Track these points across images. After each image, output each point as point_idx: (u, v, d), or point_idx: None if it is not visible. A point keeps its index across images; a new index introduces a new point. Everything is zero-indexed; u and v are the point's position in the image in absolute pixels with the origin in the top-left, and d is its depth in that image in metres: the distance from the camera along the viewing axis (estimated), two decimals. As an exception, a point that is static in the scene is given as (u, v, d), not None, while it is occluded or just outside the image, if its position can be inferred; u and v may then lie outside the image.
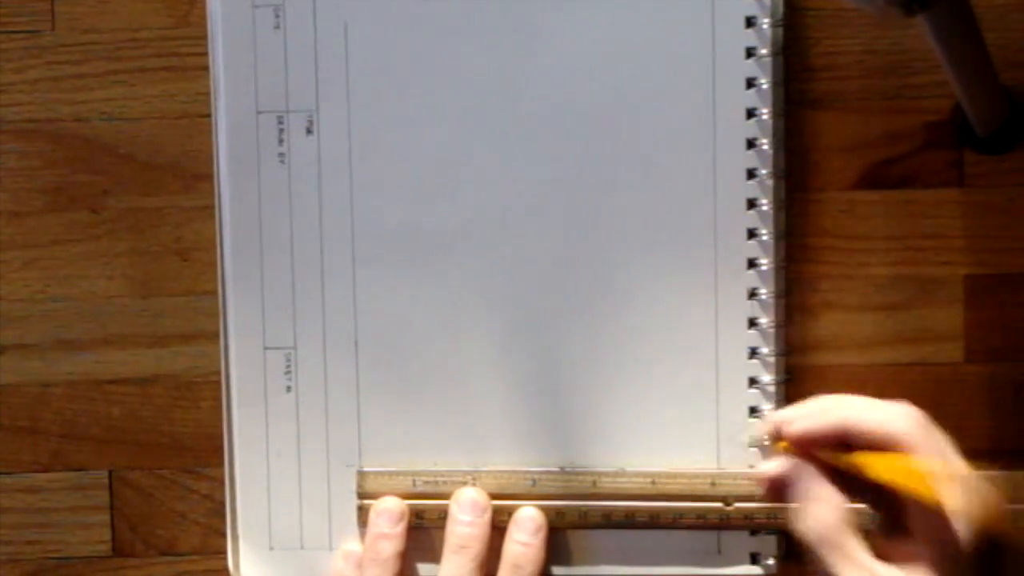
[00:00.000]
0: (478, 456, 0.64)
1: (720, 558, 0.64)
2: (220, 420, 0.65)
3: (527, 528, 0.63)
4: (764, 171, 0.62)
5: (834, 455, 0.54)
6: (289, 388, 0.65)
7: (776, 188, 0.63)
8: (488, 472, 0.64)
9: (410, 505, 0.64)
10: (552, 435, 0.64)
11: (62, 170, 0.65)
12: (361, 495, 0.64)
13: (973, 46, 0.52)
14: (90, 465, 0.66)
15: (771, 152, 0.62)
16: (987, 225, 0.63)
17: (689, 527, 0.63)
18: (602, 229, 0.63)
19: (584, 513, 0.63)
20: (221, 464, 0.65)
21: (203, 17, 0.64)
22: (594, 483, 0.63)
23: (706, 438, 0.63)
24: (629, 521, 0.63)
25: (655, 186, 0.63)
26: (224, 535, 0.65)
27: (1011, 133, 0.62)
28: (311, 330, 0.64)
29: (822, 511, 0.54)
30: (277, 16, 0.63)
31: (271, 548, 0.65)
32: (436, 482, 0.64)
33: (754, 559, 0.64)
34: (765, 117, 0.62)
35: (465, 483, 0.64)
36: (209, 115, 0.64)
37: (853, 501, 0.54)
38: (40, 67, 0.65)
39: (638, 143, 0.63)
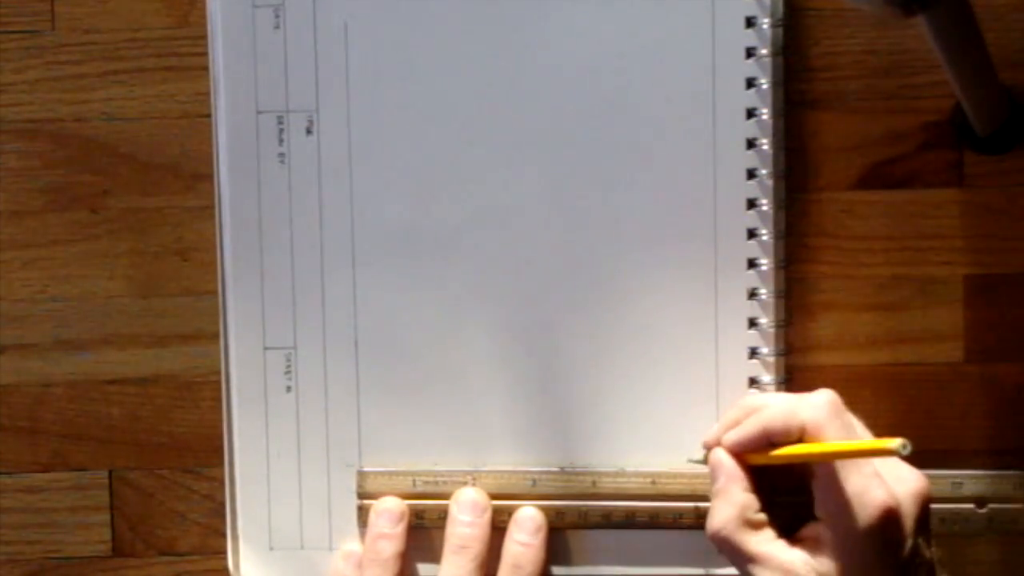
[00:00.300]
0: (478, 456, 0.64)
1: (720, 558, 0.63)
2: (220, 420, 0.65)
3: (527, 528, 0.63)
4: (764, 171, 0.62)
5: (753, 456, 0.59)
6: (289, 388, 0.65)
7: (776, 188, 0.63)
8: (488, 472, 0.64)
9: (410, 505, 0.64)
10: (552, 435, 0.64)
11: (62, 170, 0.65)
12: (361, 495, 0.64)
13: (973, 46, 0.52)
14: (90, 465, 0.66)
15: (771, 152, 0.62)
16: (987, 225, 0.63)
17: (689, 527, 0.63)
18: (602, 229, 0.63)
19: (584, 513, 0.63)
20: (221, 464, 0.65)
21: (203, 17, 0.64)
22: (594, 483, 0.63)
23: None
24: (629, 521, 0.63)
25: (655, 186, 0.63)
26: (224, 535, 0.65)
27: (1011, 133, 0.62)
28: (311, 330, 0.64)
29: (721, 510, 0.58)
30: (277, 16, 0.63)
31: (271, 548, 0.65)
32: (436, 482, 0.64)
33: (754, 559, 0.64)
34: (765, 117, 0.62)
35: (465, 483, 0.64)
36: (209, 115, 0.64)
37: (780, 496, 0.59)
38: (40, 67, 0.65)
39: (638, 143, 0.63)
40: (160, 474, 0.66)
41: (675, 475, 0.63)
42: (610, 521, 0.63)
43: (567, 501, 0.63)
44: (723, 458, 0.59)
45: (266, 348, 0.64)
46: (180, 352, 0.65)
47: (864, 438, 0.58)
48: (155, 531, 0.66)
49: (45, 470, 0.66)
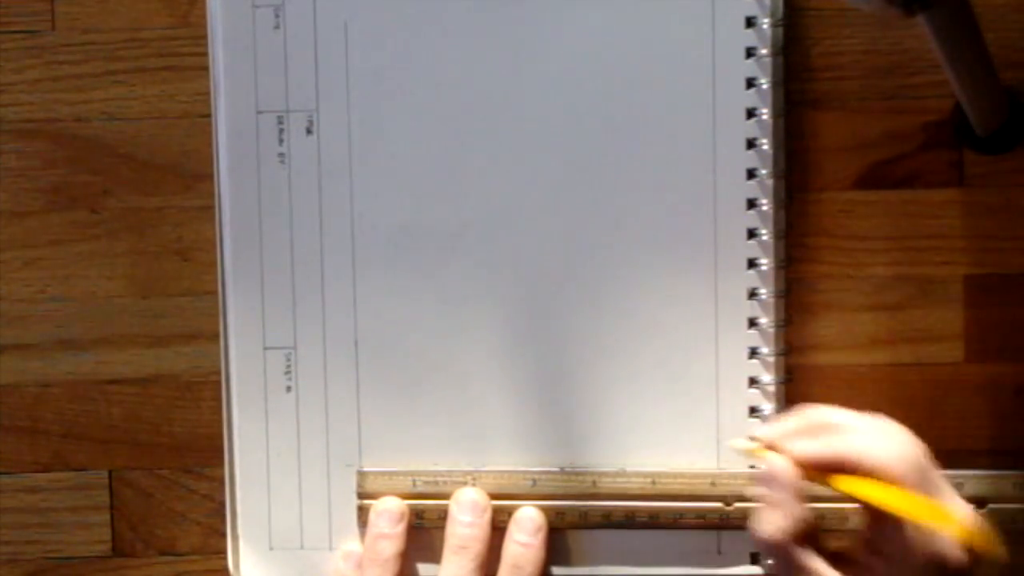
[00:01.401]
0: (478, 456, 0.64)
1: (720, 558, 0.64)
2: (220, 420, 0.65)
3: (527, 528, 0.63)
4: (764, 171, 0.62)
5: (828, 477, 0.56)
6: (289, 388, 0.65)
7: (776, 188, 0.63)
8: (488, 472, 0.64)
9: (410, 505, 0.64)
10: (552, 435, 0.64)
11: (62, 170, 0.65)
12: (361, 495, 0.64)
13: (973, 46, 0.52)
14: (90, 465, 0.66)
15: (771, 152, 0.62)
16: (987, 225, 0.63)
17: (689, 527, 0.63)
18: (602, 229, 0.63)
19: (584, 513, 0.63)
20: (221, 464, 0.65)
21: (203, 17, 0.64)
22: (594, 483, 0.63)
23: (706, 438, 0.63)
24: (629, 521, 0.63)
25: (655, 186, 0.63)
26: (224, 535, 0.65)
27: (1011, 133, 0.62)
28: (311, 330, 0.64)
29: (777, 518, 0.56)
30: (277, 16, 0.63)
31: (271, 548, 0.65)
32: (436, 482, 0.64)
33: (754, 559, 0.64)
34: (765, 117, 0.62)
35: (465, 483, 0.64)
36: (209, 115, 0.64)
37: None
38: (40, 67, 0.65)
39: (638, 143, 0.63)
40: (160, 474, 0.66)
41: (675, 475, 0.63)
42: (610, 521, 0.63)
43: (567, 501, 0.63)
44: (785, 466, 0.56)
45: (266, 348, 0.64)
46: (180, 352, 0.65)
47: (937, 483, 0.56)
48: (155, 531, 0.66)
49: (45, 470, 0.66)
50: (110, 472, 0.66)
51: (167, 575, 0.66)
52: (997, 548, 0.54)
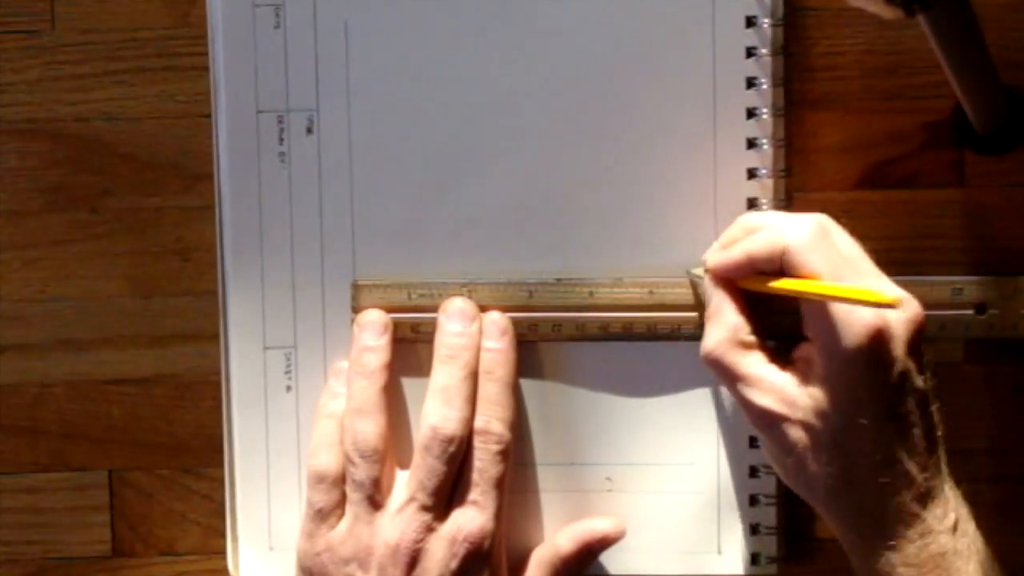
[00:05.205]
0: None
1: (720, 558, 0.64)
2: (220, 420, 0.65)
3: (492, 333, 0.62)
4: (764, 171, 0.62)
5: (743, 280, 0.59)
6: (289, 388, 0.65)
7: (776, 188, 0.63)
8: (484, 283, 0.63)
9: (406, 319, 0.63)
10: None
11: (62, 170, 0.65)
12: (356, 309, 0.63)
13: (973, 46, 0.52)
14: (90, 465, 0.66)
15: (771, 152, 0.62)
16: (987, 225, 0.63)
17: (688, 339, 0.62)
18: (603, 229, 0.63)
19: (581, 325, 0.63)
20: (221, 464, 0.65)
21: (203, 17, 0.64)
22: (591, 294, 0.63)
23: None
24: (627, 333, 0.63)
25: (656, 186, 0.63)
26: (224, 535, 0.65)
27: (1011, 133, 0.62)
28: (311, 330, 0.64)
29: (713, 331, 0.58)
30: (277, 16, 0.63)
31: (271, 548, 0.65)
32: (432, 294, 0.62)
33: (754, 559, 0.64)
34: (765, 117, 0.62)
35: (461, 295, 0.63)
36: (209, 115, 0.64)
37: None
38: (40, 67, 0.65)
39: (638, 143, 0.63)
40: (160, 474, 0.66)
41: (673, 285, 0.62)
42: (608, 333, 0.63)
43: (564, 313, 0.63)
44: (715, 280, 0.59)
45: (266, 348, 0.64)
46: (180, 352, 0.65)
47: (856, 263, 0.57)
48: (155, 531, 0.66)
49: (45, 470, 0.66)
50: (110, 472, 0.66)
51: (167, 575, 0.66)
52: (915, 311, 0.56)
